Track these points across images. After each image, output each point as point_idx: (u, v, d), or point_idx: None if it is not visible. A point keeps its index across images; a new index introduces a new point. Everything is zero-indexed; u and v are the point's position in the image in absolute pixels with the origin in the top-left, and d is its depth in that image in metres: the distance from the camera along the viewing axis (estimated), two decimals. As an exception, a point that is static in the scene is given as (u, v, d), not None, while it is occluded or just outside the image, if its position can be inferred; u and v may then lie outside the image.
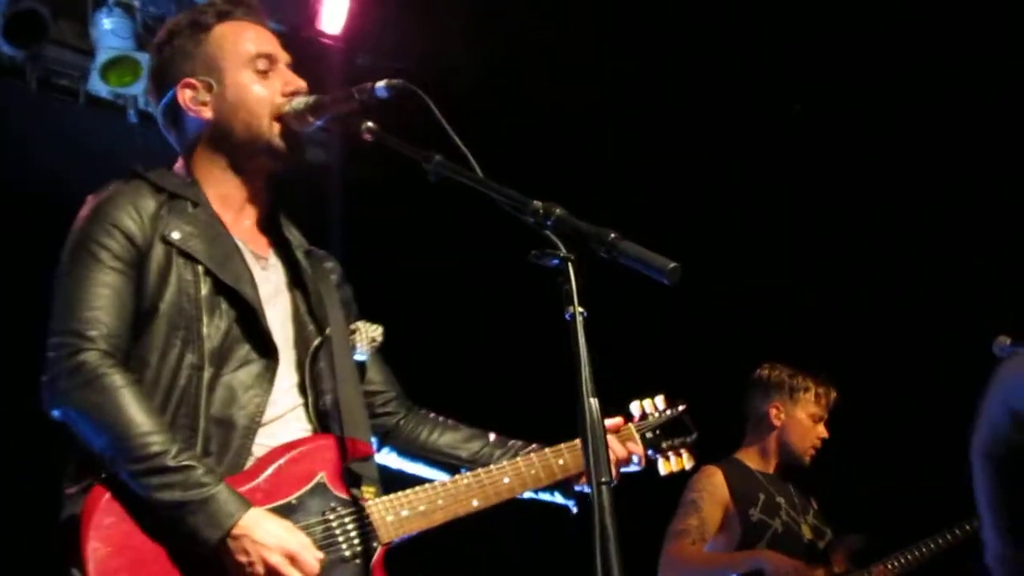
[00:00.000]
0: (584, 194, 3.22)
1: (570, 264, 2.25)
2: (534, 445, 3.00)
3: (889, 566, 4.97)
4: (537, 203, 2.34)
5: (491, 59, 6.36)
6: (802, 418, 5.06)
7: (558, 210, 2.32)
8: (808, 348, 5.69)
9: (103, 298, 2.59)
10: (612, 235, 2.24)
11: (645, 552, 4.70)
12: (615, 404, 3.15)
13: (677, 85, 6.71)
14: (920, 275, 6.68)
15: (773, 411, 5.07)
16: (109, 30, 5.66)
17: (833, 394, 5.12)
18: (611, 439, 2.93)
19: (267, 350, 2.73)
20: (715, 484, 4.91)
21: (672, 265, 2.19)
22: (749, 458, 5.10)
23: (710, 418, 5.29)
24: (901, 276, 6.79)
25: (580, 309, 2.21)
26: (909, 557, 5.01)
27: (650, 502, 3.34)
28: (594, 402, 2.18)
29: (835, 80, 6.72)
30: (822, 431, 5.09)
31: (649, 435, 3.14)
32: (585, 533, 2.12)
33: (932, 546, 5.05)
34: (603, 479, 2.14)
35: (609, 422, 3.03)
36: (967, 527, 5.06)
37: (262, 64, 2.83)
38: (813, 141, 6.87)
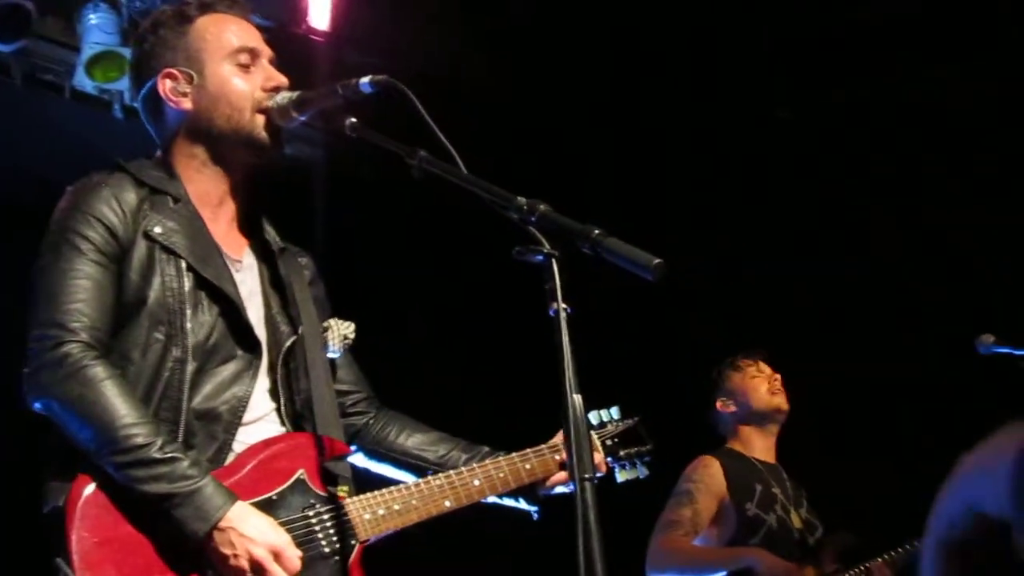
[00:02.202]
0: (571, 191, 3.22)
1: (554, 260, 2.24)
2: (500, 452, 3.03)
3: (884, 559, 4.95)
4: (521, 199, 2.34)
5: (479, 55, 6.36)
6: (741, 386, 5.12)
7: (542, 206, 2.31)
8: (796, 344, 5.72)
9: (85, 290, 2.59)
10: (596, 231, 2.23)
11: (630, 546, 4.69)
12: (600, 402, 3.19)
13: (662, 83, 6.71)
14: (914, 274, 6.70)
15: (719, 405, 5.15)
16: (95, 25, 5.64)
17: (757, 352, 5.20)
18: None
19: (250, 345, 2.74)
20: (712, 475, 4.89)
21: (656, 261, 2.18)
22: (742, 447, 5.10)
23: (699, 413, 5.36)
24: (896, 274, 6.81)
25: (564, 305, 2.21)
26: (895, 555, 5.00)
27: (636, 494, 3.36)
28: (578, 398, 2.18)
29: (823, 82, 6.75)
30: (768, 376, 5.13)
31: (609, 443, 3.20)
32: (569, 529, 2.12)
33: (919, 545, 5.04)
34: (586, 475, 2.13)
35: None
36: None
37: (244, 58, 2.84)
38: (799, 142, 6.89)
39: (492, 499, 2.99)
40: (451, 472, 2.90)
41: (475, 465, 2.95)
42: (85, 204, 2.67)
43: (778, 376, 5.14)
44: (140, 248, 2.67)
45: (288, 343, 2.82)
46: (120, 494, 2.49)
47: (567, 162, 6.67)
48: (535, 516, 3.06)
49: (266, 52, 2.89)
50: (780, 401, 5.08)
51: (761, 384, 5.10)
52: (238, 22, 2.91)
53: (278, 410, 2.78)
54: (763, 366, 5.15)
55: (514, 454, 3.00)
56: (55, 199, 2.77)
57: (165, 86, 2.83)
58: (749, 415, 5.10)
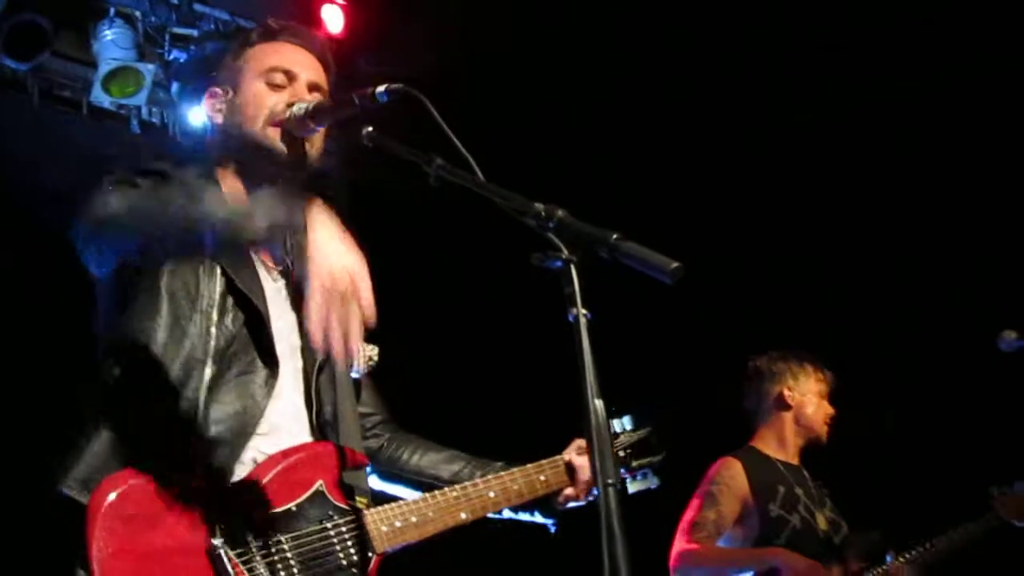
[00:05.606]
0: (586, 194, 3.22)
1: (572, 266, 2.23)
2: (515, 465, 3.03)
3: (903, 560, 4.93)
4: (539, 205, 2.32)
5: (491, 61, 6.36)
6: (811, 395, 5.11)
7: (560, 212, 2.30)
8: (816, 340, 5.70)
9: None
10: (614, 236, 2.22)
11: (654, 549, 4.68)
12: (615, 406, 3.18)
13: (677, 83, 6.71)
14: (935, 270, 6.68)
15: (786, 391, 5.11)
16: (111, 41, 5.68)
17: (828, 373, 5.19)
18: (584, 458, 2.98)
19: (269, 361, 2.73)
20: (734, 476, 4.88)
21: (674, 265, 2.17)
22: (767, 446, 5.08)
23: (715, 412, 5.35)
24: (916, 271, 6.78)
25: (583, 311, 2.20)
26: (923, 551, 4.98)
27: (657, 496, 3.35)
28: (599, 404, 2.17)
29: (839, 81, 6.73)
30: (829, 407, 5.14)
31: (622, 454, 3.20)
32: (592, 536, 2.11)
33: (947, 541, 5.02)
34: (609, 480, 2.12)
35: (580, 442, 3.06)
36: (983, 521, 5.07)
37: (279, 78, 2.88)
38: (810, 142, 6.87)
39: (508, 514, 3.00)
40: (467, 484, 2.91)
41: (491, 477, 2.96)
42: None
43: (833, 412, 5.16)
44: None
45: (321, 356, 2.82)
46: (142, 503, 2.49)
47: (586, 163, 6.67)
48: (552, 529, 3.07)
49: (307, 78, 2.90)
50: (822, 434, 5.12)
51: (823, 410, 5.13)
52: (291, 48, 2.95)
53: (309, 418, 2.79)
54: (827, 396, 5.16)
55: (529, 466, 3.01)
56: (73, 215, 2.78)
57: (207, 104, 2.93)
58: (797, 418, 5.10)
